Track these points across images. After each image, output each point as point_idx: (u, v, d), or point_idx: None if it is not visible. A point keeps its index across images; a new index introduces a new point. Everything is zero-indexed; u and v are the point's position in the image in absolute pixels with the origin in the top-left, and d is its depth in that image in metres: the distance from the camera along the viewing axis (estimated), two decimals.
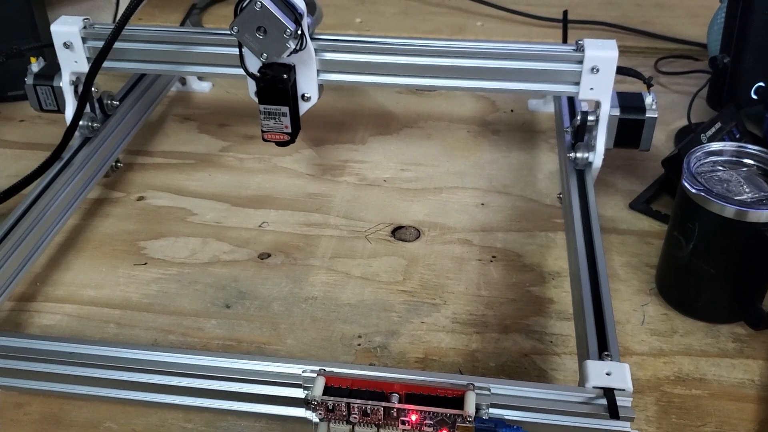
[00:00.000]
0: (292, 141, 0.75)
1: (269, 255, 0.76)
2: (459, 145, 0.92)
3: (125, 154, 0.90)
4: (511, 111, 0.97)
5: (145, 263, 0.75)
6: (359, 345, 0.66)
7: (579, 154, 0.75)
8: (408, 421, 0.50)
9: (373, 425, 0.51)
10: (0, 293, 0.66)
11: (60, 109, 0.81)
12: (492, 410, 0.51)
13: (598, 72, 0.70)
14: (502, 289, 0.71)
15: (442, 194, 0.84)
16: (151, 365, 0.56)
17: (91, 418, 0.60)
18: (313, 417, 0.52)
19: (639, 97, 0.73)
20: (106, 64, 0.73)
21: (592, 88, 0.71)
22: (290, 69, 0.72)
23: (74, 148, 0.80)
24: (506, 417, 0.51)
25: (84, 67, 0.78)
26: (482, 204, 0.82)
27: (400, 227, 0.79)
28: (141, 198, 0.85)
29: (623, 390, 0.51)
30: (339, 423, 0.51)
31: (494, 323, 0.67)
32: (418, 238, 0.78)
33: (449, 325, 0.67)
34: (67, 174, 0.76)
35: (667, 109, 0.95)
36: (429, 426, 0.50)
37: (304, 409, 0.55)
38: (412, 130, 0.95)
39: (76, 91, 0.80)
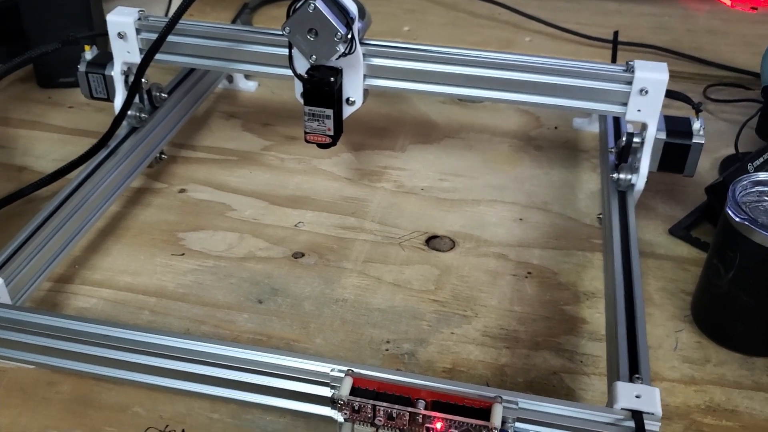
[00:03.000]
0: (333, 144, 0.75)
1: (303, 255, 0.76)
2: (500, 158, 0.91)
3: (170, 147, 0.91)
4: (555, 128, 0.97)
5: (183, 254, 0.76)
6: (387, 350, 0.66)
7: (622, 176, 0.74)
8: (433, 429, 0.50)
9: (397, 430, 0.51)
10: (39, 274, 0.67)
11: (109, 98, 0.83)
12: (518, 425, 0.51)
13: (646, 94, 0.69)
14: (535, 306, 0.70)
15: (480, 207, 0.83)
16: (181, 353, 0.57)
17: (119, 401, 0.61)
18: (338, 417, 0.52)
19: (686, 122, 0.72)
20: (157, 56, 0.75)
21: (639, 110, 0.70)
22: (338, 72, 0.72)
23: (121, 137, 0.82)
24: None
25: (136, 58, 0.80)
26: (520, 219, 0.81)
27: (434, 237, 0.79)
28: (182, 190, 0.86)
29: (652, 414, 0.51)
30: (363, 425, 0.52)
31: (525, 339, 0.67)
32: (452, 248, 0.77)
33: (479, 338, 0.67)
34: (112, 162, 0.78)
35: (713, 136, 0.93)
36: None
37: (329, 408, 0.55)
38: (454, 140, 0.95)
39: (126, 81, 0.82)
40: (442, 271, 0.74)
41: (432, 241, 0.78)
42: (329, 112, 0.73)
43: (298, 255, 0.76)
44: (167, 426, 0.59)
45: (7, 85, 1.06)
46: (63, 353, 0.59)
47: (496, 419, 0.48)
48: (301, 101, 0.75)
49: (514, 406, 0.50)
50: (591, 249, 0.77)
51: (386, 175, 0.89)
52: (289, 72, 0.73)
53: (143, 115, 0.83)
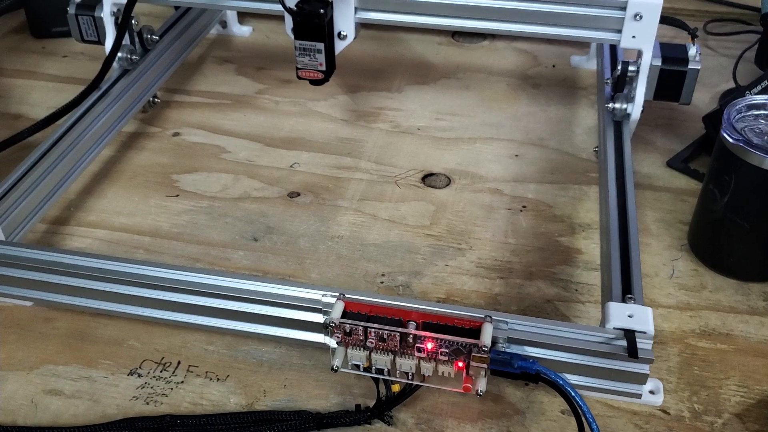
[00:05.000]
0: (326, 80, 0.75)
1: (299, 194, 0.76)
2: (497, 97, 0.90)
3: (163, 92, 0.91)
4: (553, 66, 0.96)
5: (177, 195, 0.76)
6: (382, 283, 0.66)
7: (618, 105, 0.73)
8: (424, 349, 0.50)
9: (389, 352, 0.51)
10: (33, 214, 0.67)
11: (100, 40, 0.82)
12: (511, 346, 0.51)
13: (641, 19, 0.68)
14: (529, 238, 0.70)
15: (476, 144, 0.83)
16: (177, 284, 0.57)
17: (115, 335, 0.61)
18: (331, 342, 0.52)
19: (682, 49, 0.71)
20: None
21: (634, 36, 0.69)
22: (328, 5, 0.71)
23: (112, 79, 0.81)
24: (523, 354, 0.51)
25: None
26: (516, 155, 0.81)
27: (430, 174, 0.78)
28: (176, 134, 0.85)
29: (644, 333, 0.51)
30: (356, 348, 0.52)
31: (519, 270, 0.67)
32: (448, 185, 0.77)
33: (473, 269, 0.67)
34: (104, 104, 0.77)
35: (713, 71, 0.92)
36: (444, 355, 0.50)
37: (320, 335, 0.55)
38: (450, 80, 0.94)
39: (116, 23, 0.81)
40: (437, 207, 0.74)
41: (428, 178, 0.78)
42: (320, 46, 0.72)
43: (293, 194, 0.76)
44: (163, 358, 0.59)
45: (0, 37, 1.05)
46: (59, 287, 0.60)
47: (486, 337, 0.48)
48: (292, 37, 0.74)
49: (504, 325, 0.50)
50: (587, 182, 0.76)
51: (382, 115, 0.88)
52: (279, 7, 0.72)
53: (134, 57, 0.82)
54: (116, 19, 0.81)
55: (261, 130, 0.86)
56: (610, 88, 0.76)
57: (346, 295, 0.52)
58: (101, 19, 0.80)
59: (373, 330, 0.50)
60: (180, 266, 0.60)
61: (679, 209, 0.72)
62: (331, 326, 0.51)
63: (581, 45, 0.97)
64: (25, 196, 0.66)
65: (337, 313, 0.51)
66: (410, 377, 0.52)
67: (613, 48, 0.83)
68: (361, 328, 0.50)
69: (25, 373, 0.58)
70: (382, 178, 0.78)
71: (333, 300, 0.52)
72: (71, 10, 0.81)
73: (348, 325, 0.50)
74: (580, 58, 0.95)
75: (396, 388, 0.54)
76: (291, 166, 0.80)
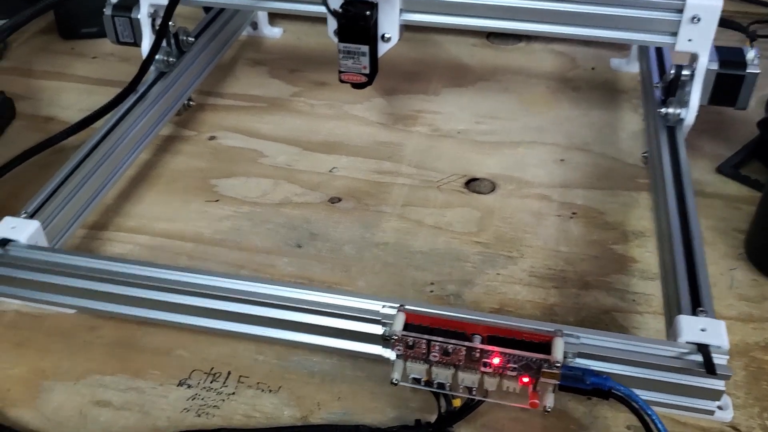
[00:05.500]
0: (369, 83, 0.73)
1: (340, 199, 0.75)
2: (537, 100, 0.89)
3: (196, 94, 0.89)
4: (592, 69, 0.94)
5: (217, 200, 0.75)
6: (431, 291, 0.64)
7: (670, 110, 0.71)
8: (490, 364, 0.48)
9: (451, 366, 0.50)
10: (74, 219, 0.66)
11: (137, 42, 0.80)
12: (579, 360, 0.49)
13: (698, 22, 0.66)
14: (582, 246, 0.68)
15: (519, 148, 0.81)
16: (224, 292, 0.55)
17: (162, 344, 0.60)
18: (390, 354, 0.50)
19: (739, 52, 0.69)
20: None
21: (690, 40, 0.67)
22: (373, 6, 0.70)
23: (149, 82, 0.79)
24: (593, 368, 0.49)
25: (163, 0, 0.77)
26: (561, 160, 0.79)
27: (474, 179, 0.77)
28: (212, 137, 0.84)
29: (719, 347, 0.49)
30: (416, 362, 0.50)
31: (574, 279, 0.65)
32: (493, 190, 0.75)
33: (526, 278, 0.65)
34: (141, 107, 0.76)
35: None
36: (512, 370, 0.48)
37: (378, 346, 0.54)
38: (488, 83, 0.92)
39: (153, 25, 0.79)
40: (483, 214, 0.72)
41: (472, 183, 0.76)
42: (365, 48, 0.70)
43: (335, 200, 0.75)
44: (212, 368, 0.58)
45: (29, 37, 1.04)
46: (104, 296, 0.58)
47: (558, 353, 0.47)
48: (335, 40, 0.72)
49: (575, 339, 0.48)
50: (636, 188, 0.74)
51: (420, 119, 0.86)
52: (321, 9, 0.70)
53: (171, 59, 0.80)
54: (153, 20, 0.79)
55: (298, 133, 0.84)
56: (660, 92, 0.74)
57: (407, 307, 0.50)
58: (138, 20, 0.79)
59: (437, 344, 0.48)
60: (227, 274, 0.58)
61: (733, 217, 0.71)
62: (393, 339, 0.49)
63: (620, 47, 0.95)
64: (67, 201, 0.65)
65: (398, 326, 0.49)
66: (473, 392, 0.50)
67: (660, 51, 0.81)
68: (424, 341, 0.49)
69: (72, 384, 0.57)
70: (425, 183, 0.77)
71: (393, 311, 0.51)
72: (107, 11, 0.80)
73: (411, 338, 0.49)
74: (619, 61, 0.93)
75: (457, 403, 0.52)
76: (330, 171, 0.79)
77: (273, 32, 1.02)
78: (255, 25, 1.02)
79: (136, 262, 0.58)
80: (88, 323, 0.61)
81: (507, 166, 0.78)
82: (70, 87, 0.94)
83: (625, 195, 0.74)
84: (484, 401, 0.51)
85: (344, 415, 0.54)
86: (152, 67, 0.80)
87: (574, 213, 0.72)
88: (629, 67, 0.93)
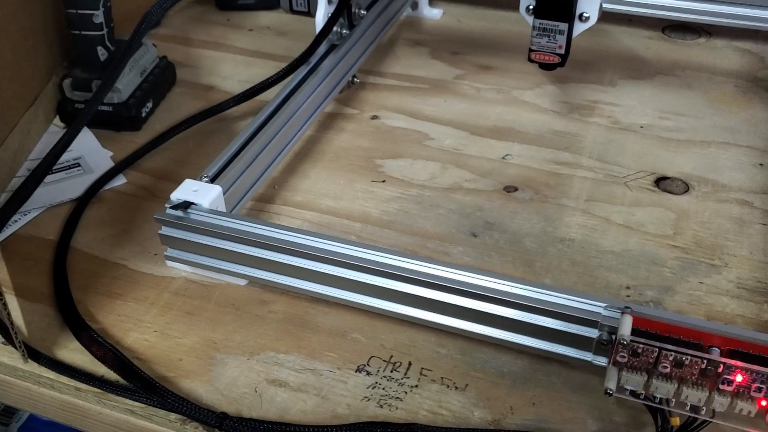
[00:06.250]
0: (561, 64, 0.68)
1: (516, 189, 0.69)
2: (725, 99, 0.81)
3: (358, 72, 0.86)
4: None
5: (383, 180, 0.71)
6: (628, 296, 0.58)
7: None
8: (732, 381, 0.42)
9: (675, 380, 0.44)
10: (249, 187, 0.64)
11: (310, 12, 0.78)
12: None
13: None
14: None
15: (711, 148, 0.74)
16: (408, 273, 0.51)
17: (337, 326, 0.56)
18: (601, 361, 0.45)
19: None
20: None
21: None
22: None
23: (320, 54, 0.76)
24: None
25: None
26: (761, 164, 0.71)
27: (664, 178, 0.70)
28: (375, 117, 0.80)
29: None
30: (634, 372, 0.44)
31: None
32: (686, 191, 0.68)
33: (734, 290, 0.58)
34: (314, 80, 0.73)
35: None
36: (758, 391, 0.42)
37: (586, 352, 0.48)
38: (668, 77, 0.85)
39: None
40: (678, 216, 0.66)
41: (662, 182, 0.70)
42: (563, 26, 0.65)
43: (510, 189, 0.69)
44: (392, 356, 0.54)
45: (185, 7, 1.03)
46: (279, 266, 0.55)
47: None
48: (527, 18, 0.67)
49: None
50: None
51: (597, 109, 0.80)
52: None
53: (344, 31, 0.77)
54: None
55: (464, 117, 0.80)
56: None
57: (634, 309, 0.45)
58: None
59: (671, 354, 0.43)
60: (409, 253, 0.54)
61: None
62: (621, 344, 0.43)
63: None
64: (243, 169, 0.62)
65: (626, 330, 0.44)
66: (700, 411, 0.44)
67: None
68: (656, 350, 0.43)
69: (245, 359, 0.54)
70: (609, 177, 0.70)
71: (616, 314, 0.45)
72: None
73: (641, 345, 0.43)
74: None
75: (676, 422, 0.46)
76: (503, 158, 0.74)
77: (432, 13, 0.98)
78: (415, 5, 0.98)
79: (312, 234, 0.55)
80: (259, 296, 0.59)
81: (699, 167, 0.71)
82: (228, 57, 0.92)
83: None
84: (709, 422, 0.45)
85: (540, 422, 0.49)
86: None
87: None
88: None
